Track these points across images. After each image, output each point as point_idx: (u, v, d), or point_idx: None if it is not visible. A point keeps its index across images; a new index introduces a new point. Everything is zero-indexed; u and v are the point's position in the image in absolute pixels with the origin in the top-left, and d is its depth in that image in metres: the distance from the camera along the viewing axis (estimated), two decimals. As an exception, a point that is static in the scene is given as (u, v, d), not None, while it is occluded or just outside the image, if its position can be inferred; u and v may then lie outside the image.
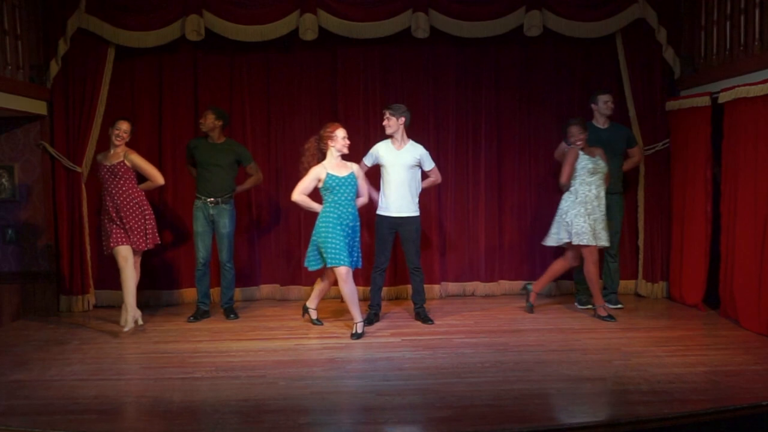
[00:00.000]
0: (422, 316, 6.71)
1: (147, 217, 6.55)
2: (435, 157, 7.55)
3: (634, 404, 4.65)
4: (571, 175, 6.61)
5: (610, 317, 6.65)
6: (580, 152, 6.61)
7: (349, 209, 6.30)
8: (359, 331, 6.23)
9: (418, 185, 6.62)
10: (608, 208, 6.79)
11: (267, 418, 4.47)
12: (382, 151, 6.55)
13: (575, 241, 6.56)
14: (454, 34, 7.39)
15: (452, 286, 7.88)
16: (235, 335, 6.37)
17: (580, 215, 6.54)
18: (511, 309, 7.20)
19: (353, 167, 6.41)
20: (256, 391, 4.89)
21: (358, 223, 6.41)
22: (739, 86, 6.20)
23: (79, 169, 7.24)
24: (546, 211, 7.75)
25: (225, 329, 6.57)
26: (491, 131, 7.78)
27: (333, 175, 6.27)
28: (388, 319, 6.79)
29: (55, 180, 7.29)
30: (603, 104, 7.05)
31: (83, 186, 7.30)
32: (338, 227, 6.20)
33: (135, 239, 6.48)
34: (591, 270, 6.62)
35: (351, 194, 6.32)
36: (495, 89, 7.75)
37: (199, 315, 6.92)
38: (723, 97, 6.43)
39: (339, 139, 6.30)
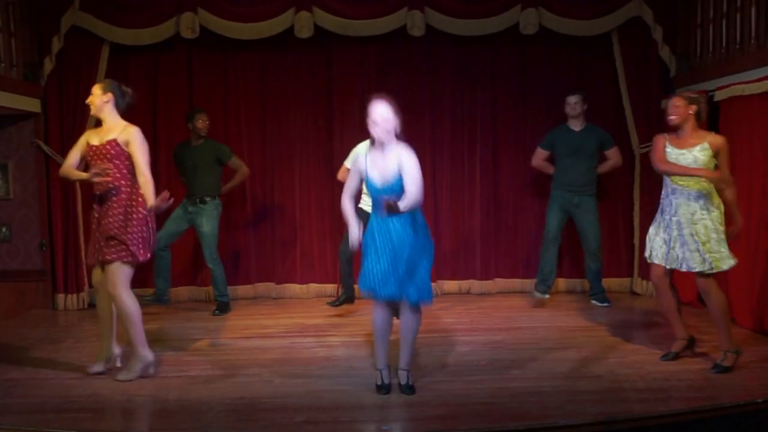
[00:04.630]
0: None
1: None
2: (431, 154, 7.60)
3: (630, 402, 4.66)
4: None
5: None
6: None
7: (392, 221, 4.64)
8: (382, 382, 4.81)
9: None
10: None
11: (262, 416, 4.46)
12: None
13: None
14: (450, 32, 7.38)
15: (448, 284, 7.87)
16: (230, 333, 6.36)
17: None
18: (507, 307, 7.20)
19: (400, 157, 4.58)
20: (251, 390, 4.87)
21: (410, 239, 4.70)
22: (734, 84, 6.20)
23: (73, 167, 7.21)
24: (542, 209, 7.77)
25: (220, 327, 6.55)
26: (487, 129, 7.77)
27: (371, 183, 4.69)
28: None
29: (49, 178, 7.26)
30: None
31: (77, 184, 7.26)
32: (372, 245, 4.71)
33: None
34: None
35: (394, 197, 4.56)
36: (491, 87, 7.75)
37: (156, 301, 7.03)
38: (719, 96, 6.43)
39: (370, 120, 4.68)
